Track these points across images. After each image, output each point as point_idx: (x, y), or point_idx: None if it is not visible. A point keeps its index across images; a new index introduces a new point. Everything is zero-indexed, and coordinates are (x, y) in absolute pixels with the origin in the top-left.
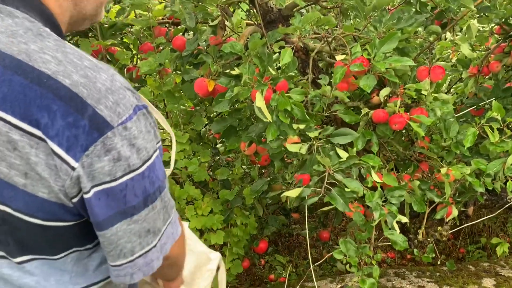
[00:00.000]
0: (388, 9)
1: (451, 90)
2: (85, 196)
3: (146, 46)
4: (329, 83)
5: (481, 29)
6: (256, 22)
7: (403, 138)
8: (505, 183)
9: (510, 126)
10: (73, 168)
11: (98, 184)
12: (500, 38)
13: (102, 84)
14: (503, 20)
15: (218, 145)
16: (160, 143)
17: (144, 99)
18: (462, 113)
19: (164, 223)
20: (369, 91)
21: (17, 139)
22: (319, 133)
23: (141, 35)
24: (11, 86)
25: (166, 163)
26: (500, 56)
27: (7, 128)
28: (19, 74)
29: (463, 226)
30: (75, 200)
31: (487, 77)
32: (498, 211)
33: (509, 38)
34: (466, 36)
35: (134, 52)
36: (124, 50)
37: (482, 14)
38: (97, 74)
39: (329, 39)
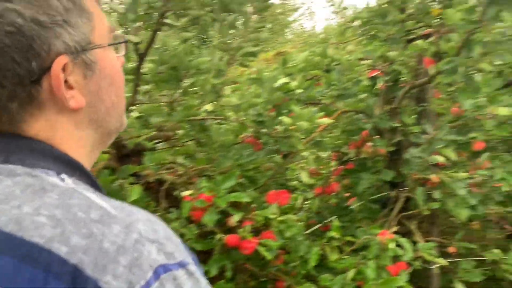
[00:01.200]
0: (242, 138)
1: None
2: None
3: None
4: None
5: (320, 156)
6: (111, 153)
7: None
8: None
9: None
10: None
11: None
12: (337, 163)
13: (112, 242)
14: (336, 149)
15: None
16: None
17: None
18: (311, 230)
19: None
20: (212, 225)
21: None
22: None
23: None
24: (2, 271)
25: None
26: (338, 178)
27: None
28: (7, 253)
29: None
30: None
31: (332, 195)
32: None
33: (344, 163)
34: (304, 164)
35: None
36: None
37: (317, 146)
38: (106, 228)
39: (181, 173)
